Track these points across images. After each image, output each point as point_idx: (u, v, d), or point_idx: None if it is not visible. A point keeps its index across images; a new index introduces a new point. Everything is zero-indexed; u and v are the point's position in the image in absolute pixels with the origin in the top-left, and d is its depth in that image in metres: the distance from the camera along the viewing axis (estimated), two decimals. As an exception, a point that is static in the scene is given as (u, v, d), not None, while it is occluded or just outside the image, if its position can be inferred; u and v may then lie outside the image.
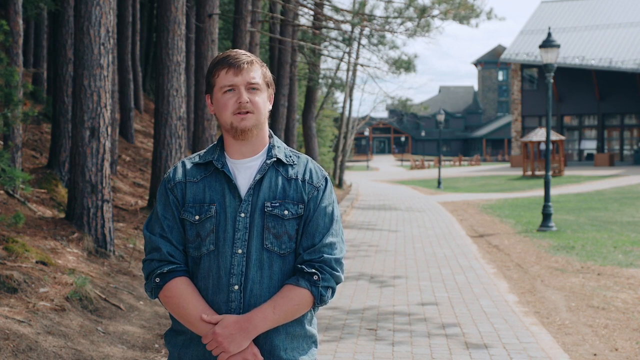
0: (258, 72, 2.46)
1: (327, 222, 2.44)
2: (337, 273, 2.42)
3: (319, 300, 2.39)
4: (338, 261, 2.42)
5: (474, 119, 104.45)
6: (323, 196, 2.47)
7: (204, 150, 2.55)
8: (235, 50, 2.51)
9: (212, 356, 2.38)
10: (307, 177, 2.47)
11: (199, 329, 2.37)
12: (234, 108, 2.42)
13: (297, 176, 2.47)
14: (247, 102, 2.41)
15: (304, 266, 2.38)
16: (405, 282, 9.87)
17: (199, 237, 2.41)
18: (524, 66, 51.65)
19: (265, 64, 2.53)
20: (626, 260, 11.46)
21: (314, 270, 2.38)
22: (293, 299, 2.36)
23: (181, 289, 2.40)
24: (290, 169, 2.48)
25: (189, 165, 2.51)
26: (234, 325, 2.31)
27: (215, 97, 2.46)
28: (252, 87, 2.44)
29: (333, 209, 2.47)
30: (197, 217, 2.41)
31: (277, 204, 2.41)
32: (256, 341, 2.37)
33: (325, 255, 2.40)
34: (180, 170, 2.50)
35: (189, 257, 2.45)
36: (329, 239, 2.42)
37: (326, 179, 2.51)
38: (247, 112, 2.42)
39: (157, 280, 2.42)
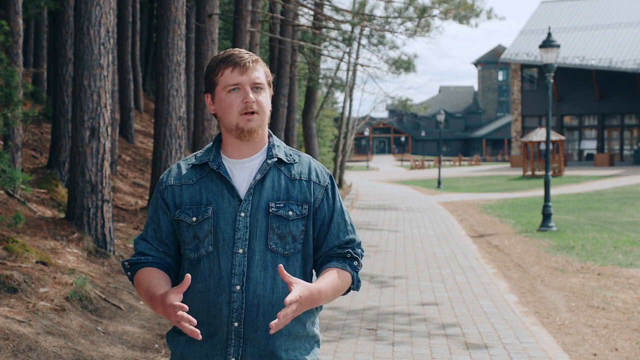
0: (262, 71, 2.45)
1: (347, 219, 2.51)
2: (362, 264, 2.53)
3: (355, 286, 2.48)
4: (363, 256, 2.53)
5: (474, 119, 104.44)
6: (333, 194, 2.50)
7: (200, 151, 2.52)
8: (237, 49, 2.49)
9: (214, 355, 2.38)
10: (313, 177, 2.47)
11: (150, 300, 2.34)
12: (240, 108, 2.39)
13: (300, 176, 2.46)
14: (253, 102, 2.39)
15: (349, 250, 2.45)
16: (405, 282, 9.87)
17: (196, 238, 2.40)
18: (524, 66, 51.64)
19: (266, 64, 2.53)
20: (626, 260, 11.46)
21: (356, 256, 2.46)
22: (345, 281, 2.44)
23: (141, 275, 2.42)
24: (292, 168, 2.47)
25: (184, 167, 2.49)
26: (308, 292, 2.28)
27: (218, 97, 2.43)
28: (257, 87, 2.41)
29: (344, 204, 2.54)
30: (194, 219, 2.40)
31: (282, 205, 2.40)
32: (257, 342, 2.36)
33: (357, 250, 2.50)
34: (174, 173, 2.49)
35: (186, 259, 2.44)
36: (357, 237, 2.51)
37: (330, 176, 2.53)
38: (253, 113, 2.40)
39: (129, 274, 2.48)
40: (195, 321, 2.20)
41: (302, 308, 2.26)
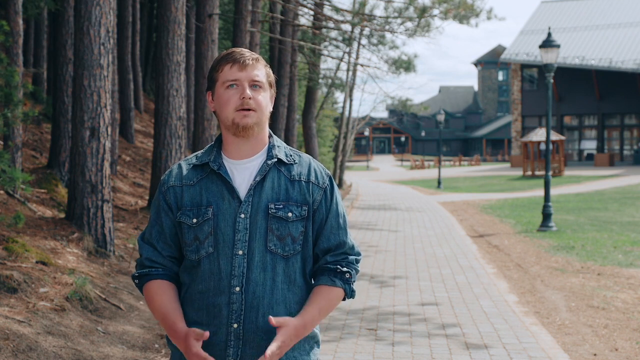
0: (262, 70, 2.44)
1: (342, 223, 2.49)
2: (359, 269, 2.52)
3: (350, 296, 2.49)
4: (359, 260, 2.52)
5: (474, 119, 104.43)
6: (332, 196, 2.48)
7: (201, 151, 2.52)
8: (240, 48, 2.49)
9: (213, 356, 2.37)
10: (312, 178, 2.46)
11: (167, 329, 2.40)
12: (237, 104, 2.38)
13: (300, 177, 2.45)
14: (250, 99, 2.38)
15: (338, 265, 2.44)
16: (405, 282, 9.87)
17: (197, 239, 2.40)
18: (524, 66, 51.64)
19: (268, 65, 2.52)
20: (626, 260, 11.46)
21: (347, 269, 2.45)
22: (332, 299, 2.44)
23: (152, 291, 2.44)
24: (292, 168, 2.46)
25: (185, 168, 2.48)
26: (293, 331, 2.34)
27: (217, 93, 2.43)
28: (255, 84, 2.41)
29: (342, 206, 2.52)
30: (194, 220, 2.40)
31: (281, 206, 2.39)
32: (256, 343, 2.37)
33: (350, 257, 2.48)
34: (175, 173, 2.49)
35: (187, 260, 2.44)
36: (348, 240, 2.49)
37: (330, 177, 2.52)
38: (250, 110, 2.39)
39: (137, 281, 2.49)
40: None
41: (289, 346, 2.33)
